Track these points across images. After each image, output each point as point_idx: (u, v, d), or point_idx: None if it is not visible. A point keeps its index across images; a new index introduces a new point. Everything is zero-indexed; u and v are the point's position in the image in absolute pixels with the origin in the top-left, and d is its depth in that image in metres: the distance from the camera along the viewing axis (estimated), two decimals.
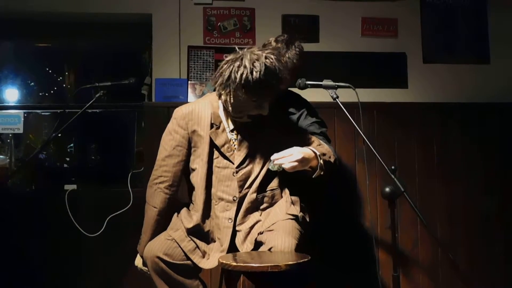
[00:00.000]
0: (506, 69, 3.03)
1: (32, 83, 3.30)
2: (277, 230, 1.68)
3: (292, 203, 1.81)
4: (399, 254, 2.65)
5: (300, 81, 1.90)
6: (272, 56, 1.63)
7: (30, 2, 2.88)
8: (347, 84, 1.87)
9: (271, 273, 1.39)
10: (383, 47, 3.01)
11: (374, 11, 3.02)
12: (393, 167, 1.68)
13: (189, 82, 2.88)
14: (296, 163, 1.64)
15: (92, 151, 3.05)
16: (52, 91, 3.34)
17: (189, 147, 1.79)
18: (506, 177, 2.81)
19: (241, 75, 1.58)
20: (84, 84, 2.15)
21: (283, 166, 1.65)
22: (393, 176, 1.66)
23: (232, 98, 1.66)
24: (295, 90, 2.05)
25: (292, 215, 1.75)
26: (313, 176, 1.73)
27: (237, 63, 1.61)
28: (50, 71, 3.32)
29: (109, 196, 2.64)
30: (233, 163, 1.75)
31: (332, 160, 1.78)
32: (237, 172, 1.75)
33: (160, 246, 1.72)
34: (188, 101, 2.81)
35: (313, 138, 1.87)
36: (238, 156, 1.75)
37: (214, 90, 1.77)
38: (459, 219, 2.77)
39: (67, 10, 2.90)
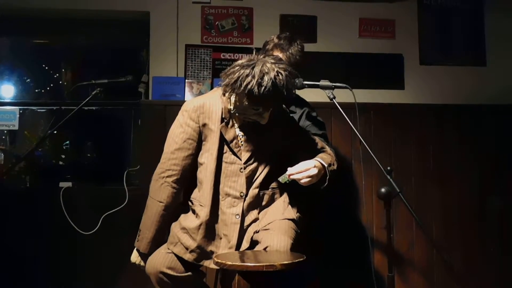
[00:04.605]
0: (502, 71, 3.05)
1: (29, 80, 3.28)
2: (273, 229, 1.68)
3: (290, 203, 1.81)
4: (395, 255, 2.66)
5: (297, 81, 1.91)
6: (283, 73, 1.58)
7: None
8: (344, 85, 1.87)
9: (267, 272, 1.39)
10: (380, 48, 3.02)
11: (371, 12, 3.02)
12: (389, 168, 1.69)
13: (186, 80, 2.88)
14: (311, 179, 1.66)
15: (88, 149, 3.03)
16: (48, 88, 3.32)
17: (199, 141, 1.78)
18: (501, 178, 2.83)
19: (247, 85, 1.55)
20: (81, 81, 2.14)
21: (300, 182, 1.66)
22: (389, 177, 1.67)
23: (235, 101, 1.66)
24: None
25: (289, 219, 1.75)
26: (321, 188, 1.73)
27: (247, 71, 1.57)
28: (46, 68, 3.30)
29: (104, 194, 2.63)
30: (241, 159, 1.74)
31: (335, 167, 1.79)
32: (244, 168, 1.74)
33: (162, 261, 1.72)
34: (185, 99, 2.80)
35: (317, 140, 1.88)
36: (246, 152, 1.75)
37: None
38: (454, 220, 2.79)
39: (65, 7, 2.89)
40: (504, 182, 2.83)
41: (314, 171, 1.67)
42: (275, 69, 1.57)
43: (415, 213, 1.69)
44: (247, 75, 1.56)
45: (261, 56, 1.63)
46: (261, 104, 1.61)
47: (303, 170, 1.66)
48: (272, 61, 1.60)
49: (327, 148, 1.87)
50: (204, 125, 1.76)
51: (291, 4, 2.98)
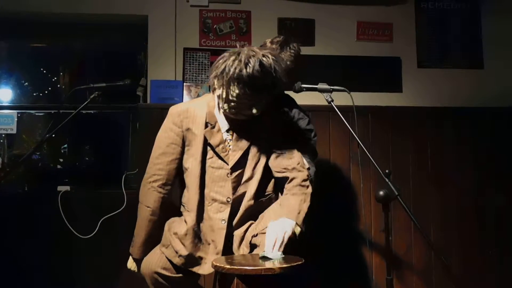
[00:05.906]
0: (499, 74, 3.06)
1: (27, 83, 3.28)
2: None
3: None
4: (393, 258, 2.66)
5: (295, 84, 1.91)
6: (270, 56, 1.60)
7: (25, 2, 2.87)
8: (342, 88, 1.87)
9: (265, 276, 1.39)
10: (378, 51, 3.03)
11: (369, 16, 3.04)
12: (387, 171, 1.69)
13: (184, 84, 2.88)
14: (284, 240, 1.57)
15: (86, 152, 3.03)
16: (46, 92, 3.32)
17: (183, 145, 1.77)
18: (499, 180, 2.84)
19: (235, 68, 1.57)
20: (79, 85, 2.14)
21: (279, 252, 1.55)
22: (387, 180, 1.67)
23: (224, 93, 1.64)
24: (289, 93, 2.05)
25: None
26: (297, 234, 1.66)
27: (233, 57, 1.59)
28: (45, 72, 3.30)
29: (102, 197, 2.62)
30: (228, 164, 1.73)
31: (307, 203, 1.71)
32: (231, 173, 1.73)
33: (157, 261, 1.71)
34: None
35: (299, 154, 1.79)
36: (233, 157, 1.73)
37: (210, 90, 1.76)
38: (452, 222, 2.79)
39: (63, 10, 2.89)
40: (502, 184, 2.83)
41: (281, 234, 1.57)
42: (261, 52, 1.60)
43: (413, 216, 1.69)
44: (234, 60, 1.59)
45: (246, 47, 1.64)
46: (251, 90, 1.58)
47: (275, 242, 1.56)
48: (258, 48, 1.64)
49: (300, 171, 1.74)
50: (188, 129, 1.75)
51: (289, 7, 2.99)
